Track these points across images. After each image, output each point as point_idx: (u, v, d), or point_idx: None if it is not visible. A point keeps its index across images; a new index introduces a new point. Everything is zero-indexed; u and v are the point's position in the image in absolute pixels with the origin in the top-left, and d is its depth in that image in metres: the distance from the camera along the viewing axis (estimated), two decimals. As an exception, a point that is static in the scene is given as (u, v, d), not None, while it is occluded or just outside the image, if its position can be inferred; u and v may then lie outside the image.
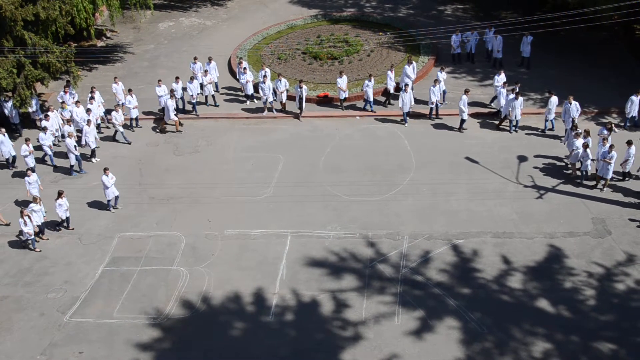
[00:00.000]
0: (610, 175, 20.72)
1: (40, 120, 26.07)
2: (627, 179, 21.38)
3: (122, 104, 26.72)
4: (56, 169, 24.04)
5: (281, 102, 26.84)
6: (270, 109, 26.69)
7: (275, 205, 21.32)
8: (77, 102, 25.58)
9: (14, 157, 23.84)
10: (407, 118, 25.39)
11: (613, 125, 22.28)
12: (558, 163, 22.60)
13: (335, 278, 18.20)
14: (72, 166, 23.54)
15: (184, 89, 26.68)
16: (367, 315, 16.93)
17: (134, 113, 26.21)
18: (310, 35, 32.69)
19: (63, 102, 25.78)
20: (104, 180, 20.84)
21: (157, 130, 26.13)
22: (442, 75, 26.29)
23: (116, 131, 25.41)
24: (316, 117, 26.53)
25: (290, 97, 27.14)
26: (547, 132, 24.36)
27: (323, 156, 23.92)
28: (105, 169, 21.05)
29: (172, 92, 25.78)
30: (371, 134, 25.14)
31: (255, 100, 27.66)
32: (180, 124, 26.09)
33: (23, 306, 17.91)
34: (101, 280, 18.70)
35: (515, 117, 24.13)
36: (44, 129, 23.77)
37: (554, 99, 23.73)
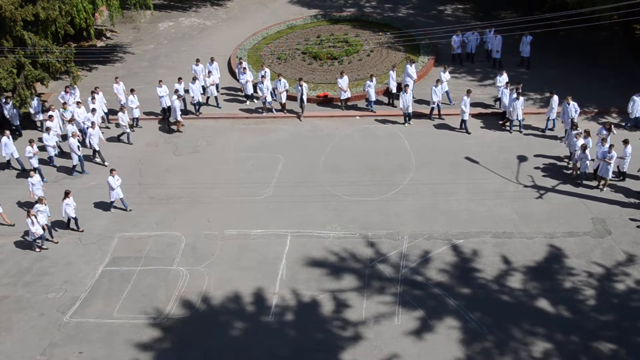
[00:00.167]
0: (610, 175, 20.72)
1: (41, 122, 26.11)
2: (622, 178, 21.37)
3: (123, 104, 26.74)
4: (59, 169, 24.01)
5: (281, 103, 26.84)
6: (269, 109, 26.69)
7: (275, 205, 21.32)
8: (78, 102, 25.58)
9: (17, 160, 23.75)
10: (410, 118, 25.27)
11: (612, 125, 22.27)
12: (558, 163, 22.60)
13: (335, 278, 18.20)
14: (74, 166, 23.53)
15: (186, 90, 26.57)
16: (367, 315, 16.93)
17: (136, 113, 26.21)
18: (310, 35, 32.68)
19: (64, 103, 25.75)
20: (110, 181, 20.80)
21: (175, 130, 26.01)
22: (446, 76, 26.27)
23: (123, 132, 25.35)
24: (316, 117, 26.53)
25: (290, 97, 27.14)
26: (548, 132, 24.36)
27: (323, 156, 23.92)
28: (112, 170, 21.03)
29: (178, 93, 25.71)
30: (371, 134, 25.15)
31: (255, 100, 27.66)
32: (182, 125, 26.07)
33: (23, 306, 17.91)
34: (101, 280, 18.70)
35: (517, 118, 24.12)
36: (48, 130, 23.74)
37: (555, 99, 23.74)
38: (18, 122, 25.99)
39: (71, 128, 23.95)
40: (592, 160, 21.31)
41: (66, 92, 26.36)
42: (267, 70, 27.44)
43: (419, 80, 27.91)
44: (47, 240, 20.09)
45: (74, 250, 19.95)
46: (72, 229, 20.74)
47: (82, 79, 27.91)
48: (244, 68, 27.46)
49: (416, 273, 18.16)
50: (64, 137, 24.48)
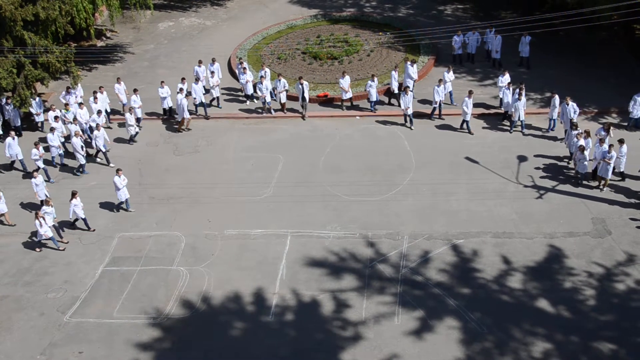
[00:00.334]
0: (609, 175, 20.71)
1: (42, 122, 26.07)
2: (622, 178, 21.35)
3: (125, 104, 26.76)
4: (62, 168, 23.98)
5: (281, 102, 26.83)
6: (268, 110, 26.66)
7: (275, 205, 21.32)
8: (80, 104, 25.56)
9: (20, 161, 23.67)
10: (411, 122, 25.17)
11: (611, 126, 22.24)
12: (558, 163, 22.59)
13: (335, 278, 18.20)
14: (80, 165, 23.50)
15: (189, 92, 26.50)
16: (367, 315, 16.92)
17: (139, 113, 26.18)
18: (310, 35, 32.69)
19: (66, 104, 25.72)
20: (116, 181, 20.75)
21: (185, 129, 25.97)
22: (450, 76, 26.22)
23: (135, 133, 25.28)
24: (316, 117, 26.53)
25: (291, 97, 27.13)
26: (549, 132, 24.32)
27: (323, 156, 23.92)
28: (118, 170, 20.99)
29: (186, 92, 25.65)
30: (371, 134, 25.15)
31: (255, 100, 27.65)
32: (189, 121, 25.98)
33: (23, 306, 17.91)
34: (101, 280, 18.69)
35: (519, 118, 24.12)
36: (52, 130, 23.73)
37: (557, 99, 23.72)
38: (19, 123, 25.96)
39: (74, 127, 23.94)
40: (591, 160, 21.30)
41: (67, 91, 26.34)
42: (267, 70, 27.44)
43: (419, 80, 27.90)
44: (58, 241, 20.05)
45: (74, 250, 19.94)
46: (81, 229, 20.70)
47: (82, 78, 27.89)
48: (244, 68, 27.47)
49: (416, 273, 18.16)
50: (68, 138, 24.43)
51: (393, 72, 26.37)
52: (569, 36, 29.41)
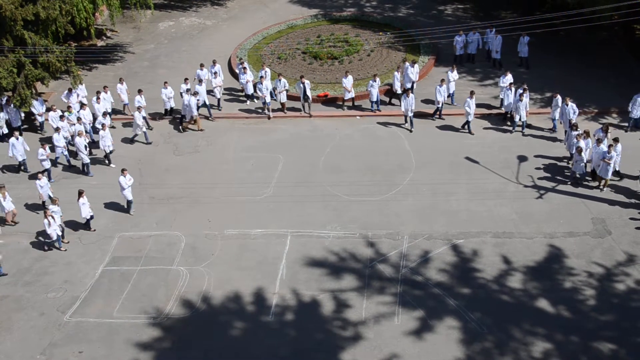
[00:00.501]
0: (609, 175, 20.71)
1: (42, 123, 26.03)
2: (619, 178, 21.32)
3: (126, 104, 26.74)
4: (66, 168, 23.94)
5: (281, 102, 26.82)
6: (267, 113, 26.50)
7: (275, 205, 21.32)
8: (83, 105, 25.52)
9: (22, 162, 23.60)
10: (412, 125, 25.07)
11: (609, 127, 22.19)
12: (558, 163, 22.58)
13: (335, 278, 18.20)
14: (86, 165, 23.47)
15: (195, 92, 26.41)
16: (367, 315, 16.93)
17: (143, 113, 26.05)
18: (310, 35, 32.68)
19: (69, 107, 25.67)
20: (121, 181, 20.69)
21: (196, 129, 25.97)
22: (454, 75, 26.16)
23: (138, 133, 25.16)
24: (316, 117, 26.52)
25: (291, 97, 27.12)
26: (555, 132, 24.29)
27: (323, 156, 23.92)
28: (123, 170, 20.93)
29: (194, 91, 25.63)
30: (371, 134, 25.14)
31: (255, 100, 27.64)
32: (198, 120, 26.01)
33: (23, 306, 17.91)
34: (101, 280, 18.70)
35: (520, 119, 24.11)
36: (58, 130, 23.70)
37: (559, 99, 23.71)
38: (18, 123, 25.87)
39: (79, 127, 23.94)
40: (589, 161, 21.29)
41: (70, 91, 26.32)
42: (268, 70, 27.43)
43: (420, 80, 27.88)
44: (62, 242, 20.06)
45: (74, 250, 19.95)
46: (84, 229, 20.73)
47: (82, 78, 27.86)
48: (244, 68, 27.45)
49: (416, 273, 18.16)
50: (73, 138, 24.33)
51: (396, 73, 26.29)
52: (569, 36, 29.40)
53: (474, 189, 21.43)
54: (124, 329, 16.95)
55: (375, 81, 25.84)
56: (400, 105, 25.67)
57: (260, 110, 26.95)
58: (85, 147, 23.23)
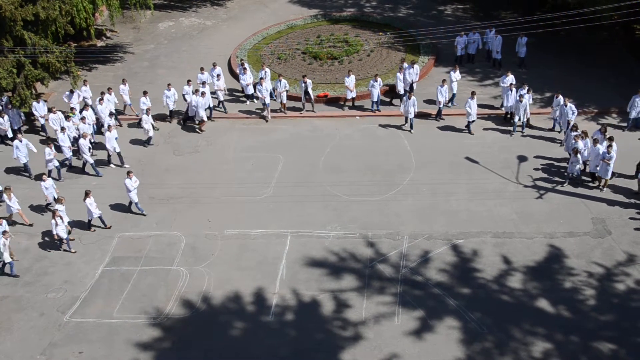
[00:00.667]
0: (609, 175, 20.72)
1: (43, 125, 25.98)
2: (616, 175, 21.31)
3: (129, 105, 26.72)
4: (68, 168, 23.91)
5: (281, 102, 26.81)
6: (265, 116, 26.44)
7: (275, 205, 21.32)
8: (86, 106, 25.48)
9: (25, 164, 23.45)
10: (411, 126, 25.01)
11: (607, 128, 22.14)
12: (558, 164, 22.58)
13: (335, 278, 18.20)
14: (92, 165, 23.44)
15: (203, 92, 26.36)
16: (367, 315, 16.93)
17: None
18: (310, 35, 32.68)
19: (72, 108, 25.62)
20: (127, 183, 20.63)
21: (201, 130, 26.02)
22: (456, 75, 26.11)
23: (151, 135, 25.11)
24: (316, 117, 26.53)
25: (291, 97, 27.11)
26: (550, 133, 24.31)
27: (323, 156, 23.92)
28: (129, 172, 20.89)
29: (201, 92, 25.64)
30: (371, 134, 25.14)
31: (255, 100, 27.62)
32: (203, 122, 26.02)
33: (23, 306, 17.91)
34: (101, 280, 18.70)
35: (520, 120, 24.10)
36: (63, 130, 23.66)
37: (561, 99, 23.70)
38: (17, 126, 25.67)
39: (83, 127, 23.91)
40: (587, 162, 21.27)
41: (71, 92, 26.28)
42: (268, 70, 27.43)
43: (420, 80, 27.85)
44: (70, 239, 20.04)
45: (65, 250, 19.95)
46: (93, 227, 20.74)
47: (87, 79, 27.87)
48: (245, 68, 27.43)
49: (416, 273, 18.16)
50: (78, 139, 24.26)
51: (398, 74, 26.25)
52: (569, 36, 29.40)
53: (474, 189, 21.43)
54: (124, 329, 16.95)
55: (376, 81, 25.83)
56: (400, 106, 25.69)
57: (259, 111, 26.94)
58: (90, 148, 23.19)
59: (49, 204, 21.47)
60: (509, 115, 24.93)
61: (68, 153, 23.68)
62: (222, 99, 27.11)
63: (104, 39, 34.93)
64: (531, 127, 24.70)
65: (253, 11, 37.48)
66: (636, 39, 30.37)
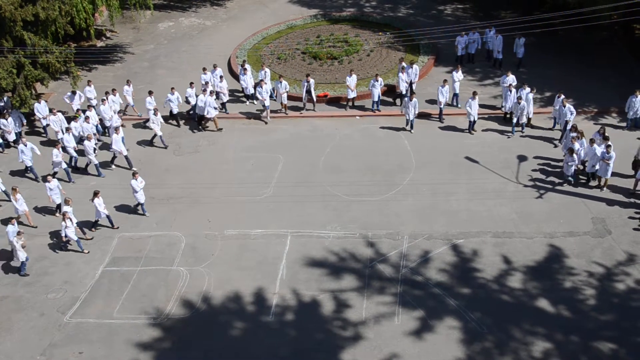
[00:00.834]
0: (609, 175, 20.71)
1: (44, 127, 25.95)
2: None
3: (132, 105, 26.71)
4: (75, 170, 23.89)
5: (282, 103, 26.77)
6: (265, 116, 26.48)
7: (275, 205, 21.32)
8: (89, 106, 25.47)
9: (30, 167, 23.37)
10: (411, 127, 24.98)
11: (605, 130, 22.13)
12: (558, 163, 22.57)
13: (335, 278, 18.20)
14: (96, 166, 23.43)
15: (211, 91, 26.32)
16: (367, 315, 16.93)
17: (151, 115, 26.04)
18: (309, 35, 32.69)
19: (78, 110, 25.59)
20: (133, 184, 20.63)
21: (204, 129, 25.96)
22: (458, 75, 26.05)
23: (155, 135, 25.03)
24: (316, 117, 26.53)
25: (292, 98, 27.10)
26: (551, 131, 24.31)
27: (323, 156, 23.92)
28: (135, 173, 20.87)
29: (210, 91, 25.61)
30: (371, 134, 25.14)
31: (255, 102, 27.59)
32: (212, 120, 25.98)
33: (23, 306, 17.91)
34: (101, 281, 18.70)
35: (519, 121, 24.09)
36: (68, 130, 23.63)
37: (562, 98, 23.69)
38: (21, 129, 25.58)
39: (87, 127, 23.88)
40: (584, 163, 21.26)
41: (73, 93, 26.24)
42: (267, 70, 27.43)
43: (419, 80, 27.85)
44: (81, 238, 20.04)
45: (73, 251, 19.93)
46: (107, 227, 20.75)
47: (82, 79, 27.86)
48: (245, 69, 27.41)
49: (416, 273, 18.16)
50: (82, 140, 24.22)
51: (400, 74, 26.23)
52: (568, 36, 29.40)
53: (474, 189, 21.43)
54: (124, 330, 16.95)
55: (377, 81, 25.82)
56: (400, 106, 25.69)
57: (259, 112, 26.91)
58: (94, 149, 23.17)
59: (58, 206, 21.36)
60: (508, 115, 24.93)
61: (73, 154, 23.66)
62: (225, 100, 27.09)
63: (104, 39, 34.94)
64: (532, 126, 24.70)
65: (253, 11, 37.48)
66: (636, 38, 30.37)
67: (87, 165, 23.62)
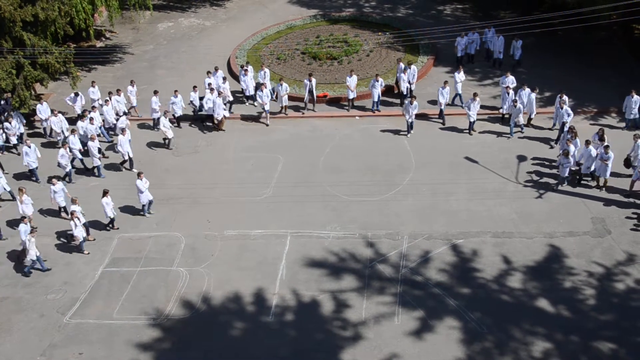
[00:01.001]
0: (608, 175, 20.71)
1: (45, 129, 25.94)
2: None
3: (135, 106, 26.70)
4: (78, 171, 23.85)
5: (282, 105, 26.69)
6: (266, 119, 26.48)
7: (275, 206, 21.31)
8: (93, 107, 25.45)
9: (33, 170, 23.24)
10: (411, 129, 24.97)
11: (604, 132, 22.12)
12: (554, 164, 22.56)
13: (335, 278, 18.19)
14: (97, 167, 23.39)
15: (219, 91, 26.29)
16: (367, 315, 16.92)
17: (155, 115, 25.95)
18: (309, 35, 32.69)
19: (85, 110, 25.55)
20: (138, 184, 20.59)
21: (220, 129, 25.98)
22: (460, 76, 26.02)
23: (168, 139, 24.94)
24: (316, 117, 26.53)
25: (292, 98, 27.08)
26: (551, 130, 24.30)
27: (323, 156, 23.92)
28: (140, 174, 20.81)
29: (218, 91, 25.58)
30: (371, 134, 25.14)
31: (255, 104, 27.52)
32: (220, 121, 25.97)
33: (23, 307, 17.90)
34: (101, 281, 18.69)
35: (517, 123, 24.07)
36: (73, 132, 23.58)
37: (565, 98, 23.68)
38: (22, 131, 25.52)
39: (91, 127, 23.86)
40: (580, 164, 21.27)
41: (76, 95, 26.22)
42: (267, 70, 27.43)
43: (419, 80, 27.84)
44: (86, 239, 20.05)
45: (73, 251, 19.92)
46: (111, 227, 20.74)
47: (82, 79, 27.87)
48: (246, 70, 27.38)
49: (416, 273, 18.16)
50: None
51: (402, 75, 26.20)
52: (567, 36, 29.40)
53: (473, 189, 21.43)
54: (124, 330, 16.94)
55: (377, 81, 25.82)
56: (400, 106, 25.70)
57: (258, 114, 26.87)
58: (99, 149, 23.17)
59: (63, 208, 21.30)
60: (507, 116, 24.92)
61: (78, 155, 23.63)
62: (229, 99, 27.05)
63: (103, 39, 34.94)
64: (532, 126, 24.69)
65: (252, 11, 37.49)
66: (635, 38, 30.38)
67: (93, 167, 23.59)
